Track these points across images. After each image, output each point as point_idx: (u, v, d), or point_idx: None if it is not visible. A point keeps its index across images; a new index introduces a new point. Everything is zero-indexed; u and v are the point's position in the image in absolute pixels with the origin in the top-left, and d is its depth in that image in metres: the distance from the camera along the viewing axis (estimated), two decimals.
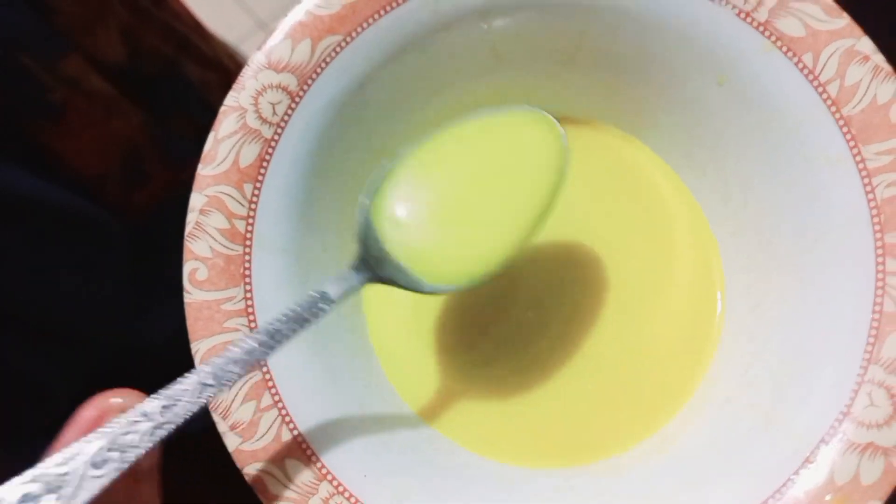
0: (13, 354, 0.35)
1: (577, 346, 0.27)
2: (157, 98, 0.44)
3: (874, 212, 0.22)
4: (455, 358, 0.28)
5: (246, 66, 0.25)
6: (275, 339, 0.21)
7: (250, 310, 0.23)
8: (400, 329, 0.28)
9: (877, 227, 0.22)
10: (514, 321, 0.28)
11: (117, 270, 0.39)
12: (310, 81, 0.25)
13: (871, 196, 0.22)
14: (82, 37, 0.39)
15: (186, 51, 0.48)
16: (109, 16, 0.41)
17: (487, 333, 0.28)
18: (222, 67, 0.51)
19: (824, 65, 0.23)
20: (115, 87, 0.40)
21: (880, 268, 0.22)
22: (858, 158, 0.22)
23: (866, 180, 0.22)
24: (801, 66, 0.23)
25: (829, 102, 0.23)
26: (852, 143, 0.22)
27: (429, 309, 0.29)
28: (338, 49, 0.25)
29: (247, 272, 0.24)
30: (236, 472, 0.22)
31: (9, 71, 0.34)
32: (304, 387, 0.23)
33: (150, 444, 0.19)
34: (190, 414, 0.20)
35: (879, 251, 0.22)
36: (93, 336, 0.38)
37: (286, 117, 0.25)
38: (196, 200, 0.24)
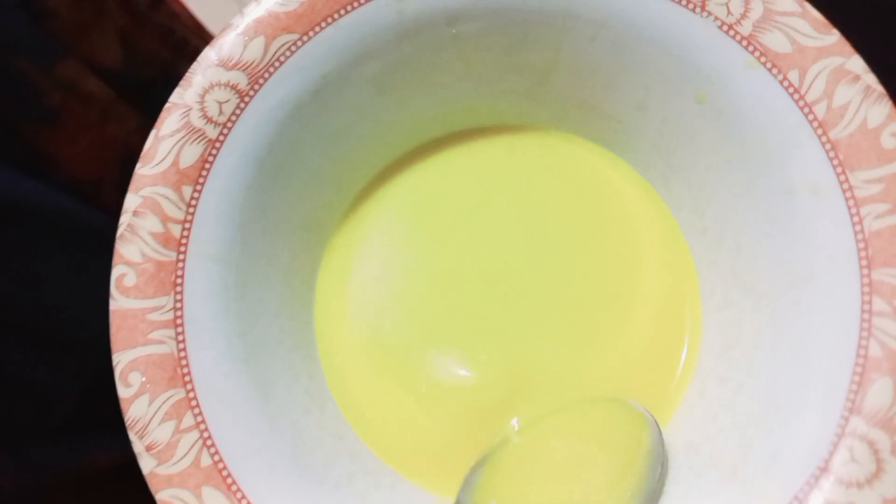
0: (10, 359, 0.34)
1: (540, 372, 0.25)
2: (153, 102, 0.43)
3: (861, 245, 0.20)
4: (413, 386, 0.26)
5: (195, 63, 0.23)
6: None
7: (179, 321, 0.22)
8: (355, 350, 0.26)
9: (863, 263, 0.20)
10: (479, 355, 0.26)
11: None
12: (261, 81, 0.23)
13: (858, 228, 0.20)
14: (78, 41, 0.38)
15: (184, 53, 0.47)
16: (106, 19, 0.41)
17: (449, 365, 0.26)
18: None
19: (811, 84, 0.21)
20: (112, 90, 0.40)
21: (866, 307, 0.19)
22: (846, 186, 0.20)
23: (853, 210, 0.20)
24: (786, 83, 0.21)
25: (815, 124, 0.21)
26: (839, 170, 0.20)
27: (388, 335, 0.27)
28: (293, 48, 0.23)
29: (178, 280, 0.22)
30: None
31: (4, 75, 0.34)
32: (232, 407, 0.21)
33: None
34: None
35: (866, 289, 0.20)
36: (89, 341, 0.37)
37: (233, 117, 0.23)
38: (130, 201, 0.22)
